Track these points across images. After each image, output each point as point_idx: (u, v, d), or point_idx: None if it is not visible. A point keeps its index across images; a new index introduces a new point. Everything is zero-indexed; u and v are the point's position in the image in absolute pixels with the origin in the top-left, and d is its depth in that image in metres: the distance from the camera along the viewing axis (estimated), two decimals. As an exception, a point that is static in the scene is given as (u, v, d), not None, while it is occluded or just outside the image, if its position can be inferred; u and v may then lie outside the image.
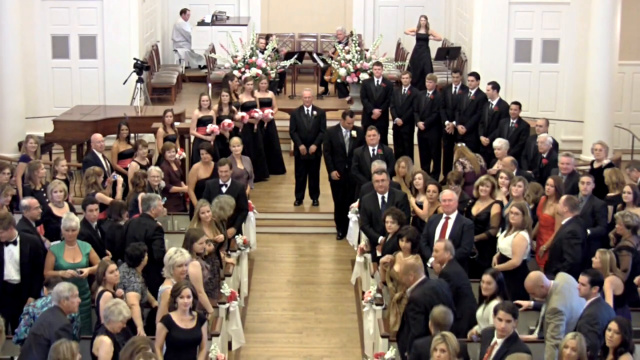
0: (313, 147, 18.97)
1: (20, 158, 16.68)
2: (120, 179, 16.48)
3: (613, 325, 10.24)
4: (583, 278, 11.12)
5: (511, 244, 13.10)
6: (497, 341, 10.36)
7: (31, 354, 10.64)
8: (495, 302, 11.08)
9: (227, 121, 19.54)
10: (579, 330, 10.72)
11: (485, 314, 11.49)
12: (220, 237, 14.30)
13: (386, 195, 14.88)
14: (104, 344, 10.60)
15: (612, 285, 12.31)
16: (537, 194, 14.79)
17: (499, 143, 16.80)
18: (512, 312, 10.39)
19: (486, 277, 11.59)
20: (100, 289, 11.73)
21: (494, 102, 19.22)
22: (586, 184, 14.64)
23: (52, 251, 12.64)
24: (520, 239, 13.11)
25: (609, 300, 12.39)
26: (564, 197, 13.64)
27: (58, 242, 12.98)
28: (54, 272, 12.41)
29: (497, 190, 14.80)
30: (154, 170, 16.00)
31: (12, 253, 12.69)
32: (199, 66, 27.67)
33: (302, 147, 19.00)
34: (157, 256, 12.98)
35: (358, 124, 19.25)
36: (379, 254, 13.85)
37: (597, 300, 11.16)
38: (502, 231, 13.69)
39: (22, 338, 11.32)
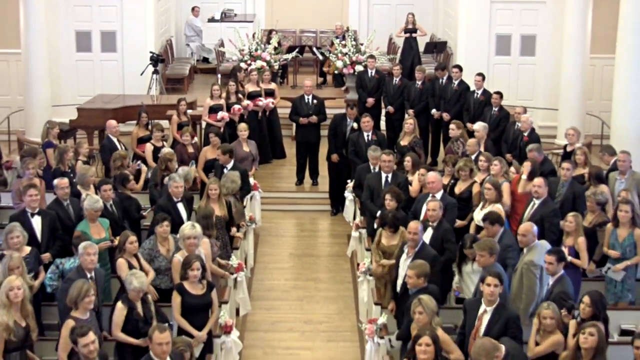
0: (314, 118, 19.03)
1: (45, 144, 16.60)
2: (144, 168, 16.52)
3: (586, 299, 10.22)
4: (550, 257, 11.05)
5: (487, 216, 13.17)
6: (487, 309, 10.26)
7: (63, 294, 10.87)
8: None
9: (236, 107, 19.61)
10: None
11: (468, 269, 11.81)
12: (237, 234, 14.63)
13: (390, 175, 14.91)
14: (116, 310, 10.77)
15: (584, 244, 12.51)
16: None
17: (479, 126, 16.85)
18: (498, 277, 10.34)
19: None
20: (119, 257, 11.89)
21: (480, 92, 19.17)
22: (566, 170, 14.56)
23: (81, 230, 12.59)
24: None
25: (584, 260, 12.50)
26: (541, 179, 13.63)
27: (82, 222, 12.95)
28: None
29: (477, 171, 14.83)
30: (167, 152, 16.01)
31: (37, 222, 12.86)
32: (207, 59, 27.59)
33: (302, 119, 19.06)
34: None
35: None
36: (376, 226, 13.80)
37: (562, 277, 11.11)
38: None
39: (49, 283, 11.95)
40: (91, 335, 9.20)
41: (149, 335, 9.39)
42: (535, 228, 11.92)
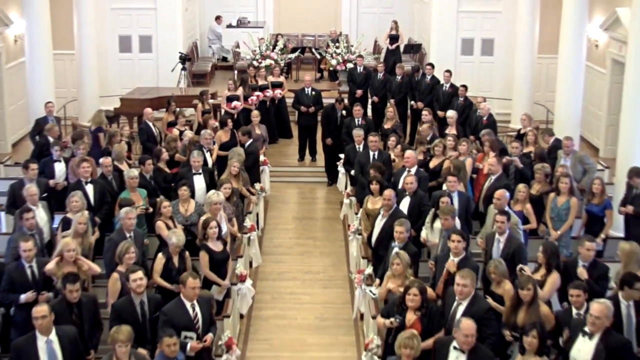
0: (312, 108, 19.05)
1: (97, 129, 16.62)
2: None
3: (541, 248, 10.32)
4: (501, 217, 11.12)
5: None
6: (454, 260, 10.34)
7: (108, 252, 11.00)
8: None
9: (254, 97, 19.64)
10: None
11: (437, 225, 11.81)
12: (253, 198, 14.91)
13: (376, 153, 14.90)
14: (157, 259, 10.93)
15: (531, 209, 12.66)
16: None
17: (451, 113, 16.98)
18: (461, 235, 10.45)
19: (444, 198, 12.11)
20: (158, 219, 12.03)
21: (448, 85, 19.17)
22: (515, 148, 14.66)
23: (128, 198, 12.66)
24: (460, 187, 13.17)
25: (534, 222, 12.69)
26: (494, 159, 13.75)
27: (124, 191, 13.04)
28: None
29: (448, 150, 14.89)
30: (188, 133, 16.23)
31: (90, 189, 12.98)
32: (226, 58, 27.58)
33: (303, 108, 19.06)
34: None
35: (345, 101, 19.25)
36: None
37: (511, 235, 11.17)
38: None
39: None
40: (140, 273, 9.40)
41: (183, 280, 9.51)
42: (507, 194, 12.06)
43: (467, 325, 8.35)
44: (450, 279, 10.13)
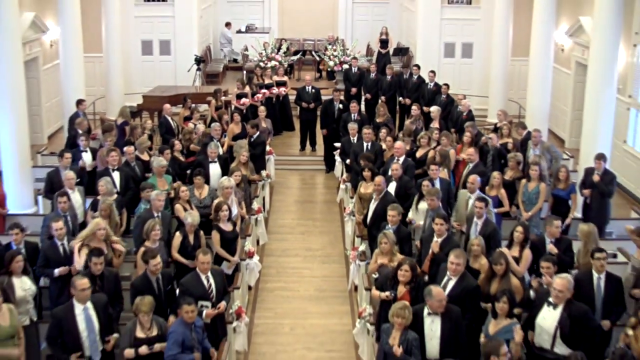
0: (312, 104, 18.97)
1: (123, 123, 16.60)
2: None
3: (519, 228, 10.31)
4: (480, 204, 11.09)
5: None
6: (438, 240, 10.36)
7: (137, 228, 11.08)
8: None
9: (259, 95, 19.58)
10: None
11: (422, 207, 11.83)
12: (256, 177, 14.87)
13: (369, 144, 14.91)
14: (175, 237, 10.93)
15: (505, 193, 12.68)
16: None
17: (434, 109, 16.82)
18: (444, 218, 10.45)
19: (424, 182, 12.10)
20: (176, 203, 12.09)
21: (432, 84, 19.10)
22: (492, 139, 14.67)
23: (150, 182, 12.67)
24: (443, 174, 13.25)
25: (507, 205, 12.67)
26: (472, 149, 13.75)
27: (152, 176, 13.06)
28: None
29: (433, 141, 14.86)
30: (200, 126, 16.16)
31: (116, 176, 13.00)
32: (236, 60, 27.50)
33: (304, 104, 18.98)
34: None
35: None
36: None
37: (488, 219, 11.17)
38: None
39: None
40: (158, 258, 9.41)
41: (196, 255, 9.57)
42: (479, 179, 12.07)
43: (438, 292, 8.44)
44: (434, 258, 10.17)
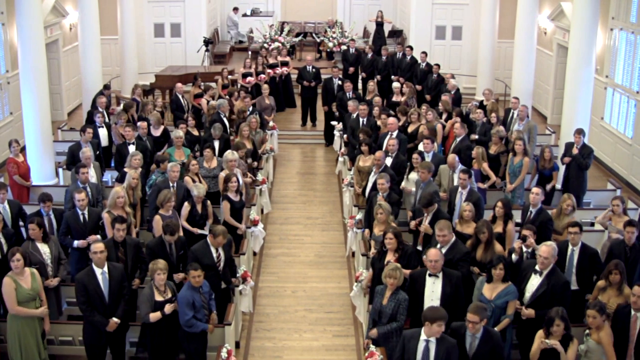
0: (313, 83, 18.86)
1: (132, 100, 16.54)
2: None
3: (499, 203, 10.23)
4: (464, 175, 11.02)
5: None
6: (426, 223, 10.22)
7: (152, 195, 11.06)
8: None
9: (262, 75, 19.40)
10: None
11: (412, 177, 11.87)
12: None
13: (365, 119, 14.83)
14: (183, 207, 10.80)
15: (487, 166, 12.63)
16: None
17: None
18: (428, 199, 10.30)
19: (414, 155, 12.08)
20: (186, 175, 11.96)
21: (424, 64, 18.94)
22: (479, 114, 14.60)
23: (168, 152, 12.67)
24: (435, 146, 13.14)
25: (493, 177, 12.65)
26: (460, 122, 13.67)
27: (171, 147, 13.11)
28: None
29: (422, 117, 14.76)
30: (213, 102, 16.07)
31: (132, 148, 12.97)
32: (242, 41, 27.30)
33: (305, 82, 18.85)
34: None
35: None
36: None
37: (472, 190, 11.12)
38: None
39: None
40: (176, 235, 9.44)
41: (214, 231, 9.36)
42: (457, 158, 11.98)
43: (431, 252, 8.44)
44: (426, 236, 10.17)
